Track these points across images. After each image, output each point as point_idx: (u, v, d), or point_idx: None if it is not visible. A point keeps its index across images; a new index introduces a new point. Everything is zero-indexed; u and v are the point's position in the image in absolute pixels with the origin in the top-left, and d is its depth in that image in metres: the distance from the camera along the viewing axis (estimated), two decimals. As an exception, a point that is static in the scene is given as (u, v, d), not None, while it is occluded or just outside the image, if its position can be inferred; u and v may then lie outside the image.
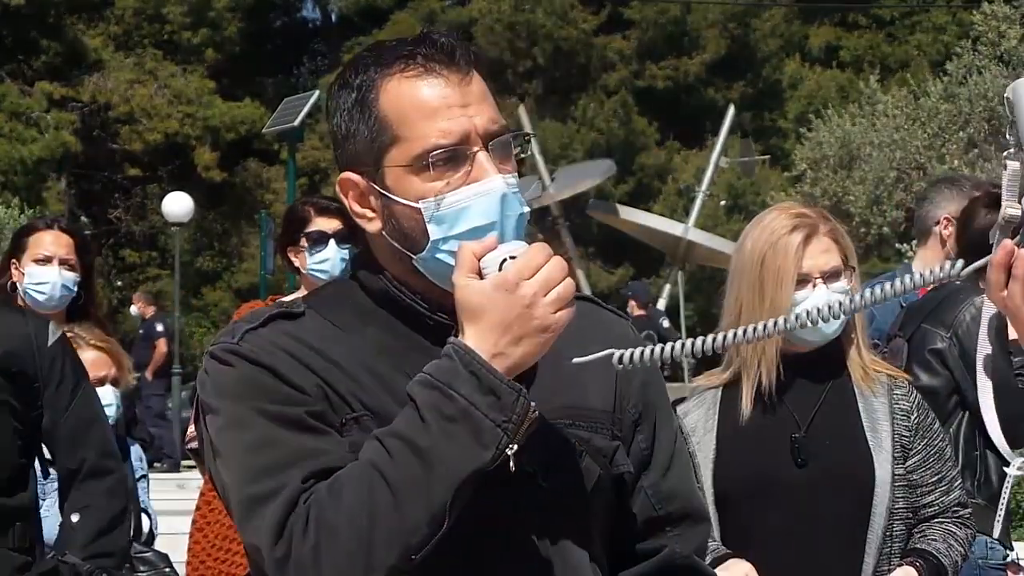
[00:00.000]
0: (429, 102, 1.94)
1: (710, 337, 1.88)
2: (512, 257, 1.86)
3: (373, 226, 2.00)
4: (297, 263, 5.06)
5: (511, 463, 1.85)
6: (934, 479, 3.48)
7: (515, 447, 1.84)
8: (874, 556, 3.38)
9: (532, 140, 2.05)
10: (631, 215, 24.85)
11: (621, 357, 1.90)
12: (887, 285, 1.80)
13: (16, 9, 31.25)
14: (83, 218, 34.66)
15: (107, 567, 3.63)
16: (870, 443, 3.41)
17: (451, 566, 1.90)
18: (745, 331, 1.87)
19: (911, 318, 4.42)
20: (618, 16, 37.91)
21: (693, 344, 1.87)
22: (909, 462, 3.46)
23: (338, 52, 37.88)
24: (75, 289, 4.81)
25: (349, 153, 2.01)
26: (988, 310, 2.14)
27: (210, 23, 34.55)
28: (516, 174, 1.98)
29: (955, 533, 3.48)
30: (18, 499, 3.59)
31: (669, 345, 1.88)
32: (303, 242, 5.01)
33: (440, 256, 1.94)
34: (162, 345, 19.03)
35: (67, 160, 32.79)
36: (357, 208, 2.01)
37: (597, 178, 26.71)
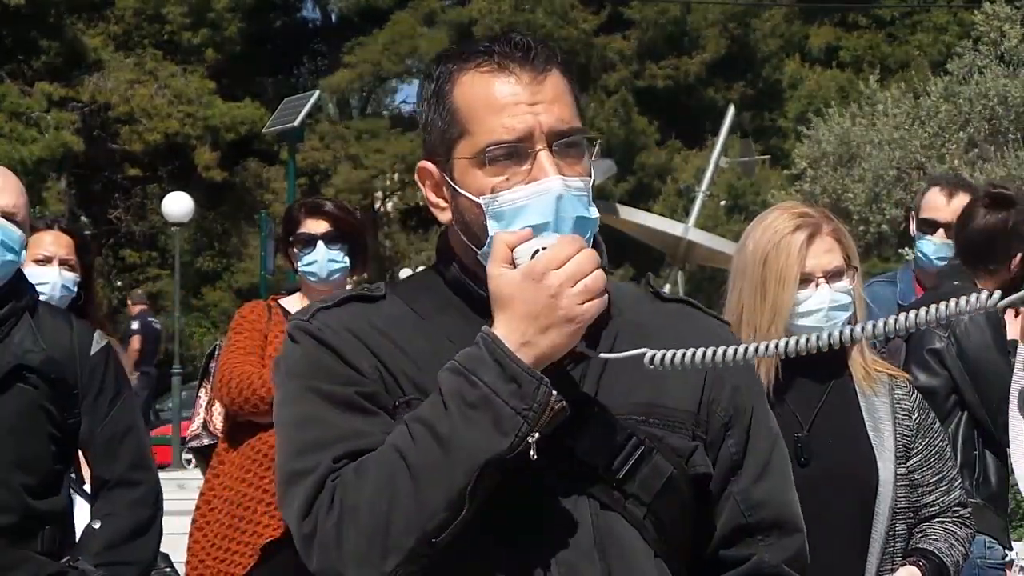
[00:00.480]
0: (497, 98, 1.97)
1: (742, 347, 1.86)
2: (544, 248, 1.89)
3: (444, 216, 2.04)
4: (296, 267, 5.08)
5: (532, 451, 1.87)
6: (935, 479, 3.48)
7: (536, 435, 1.86)
8: (877, 555, 3.38)
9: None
10: (631, 215, 24.81)
11: (652, 358, 1.91)
12: (922, 312, 1.76)
13: (16, 9, 31.23)
14: (83, 218, 34.65)
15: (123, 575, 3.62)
16: (872, 443, 3.41)
17: (494, 553, 1.93)
18: (777, 344, 1.84)
19: None
20: (618, 16, 37.92)
21: (724, 352, 1.86)
22: (910, 462, 3.46)
23: (338, 52, 37.87)
24: (75, 289, 4.81)
25: (427, 143, 2.06)
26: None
27: (210, 23, 34.56)
28: (587, 175, 1.99)
29: (956, 533, 3.48)
30: (49, 503, 3.58)
31: (701, 350, 1.88)
32: (294, 245, 5.03)
33: None
34: (135, 343, 19.05)
35: (67, 160, 32.78)
36: (432, 197, 2.05)
37: (597, 178, 26.69)
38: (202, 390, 5.39)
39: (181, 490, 15.31)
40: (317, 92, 26.04)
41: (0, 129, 30.90)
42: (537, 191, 1.93)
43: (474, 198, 1.97)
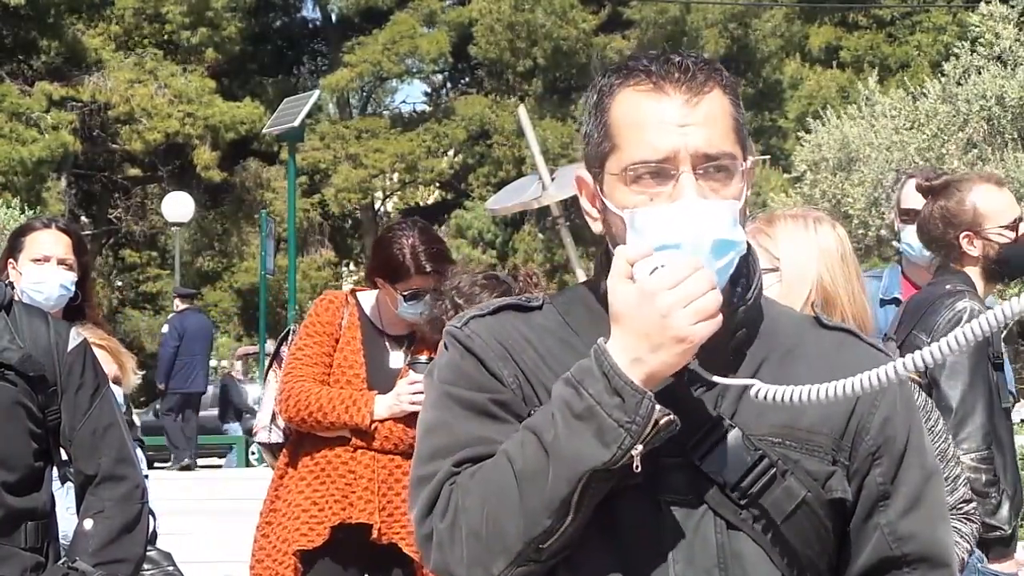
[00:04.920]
0: (647, 117, 1.99)
1: (842, 383, 1.89)
2: (662, 266, 1.91)
3: (596, 227, 2.09)
4: (381, 293, 5.01)
5: (636, 464, 1.91)
6: (936, 480, 3.47)
7: (640, 448, 1.90)
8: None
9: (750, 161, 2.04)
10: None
11: (758, 392, 1.94)
12: (961, 333, 1.76)
13: (16, 9, 31.22)
14: (83, 218, 34.64)
15: (119, 574, 3.62)
16: None
17: (613, 567, 1.97)
18: (896, 367, 1.87)
19: (904, 322, 4.43)
20: (618, 16, 37.90)
21: (836, 388, 1.89)
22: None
23: (338, 52, 37.85)
24: (73, 289, 4.79)
25: (585, 153, 2.09)
26: None
27: (210, 23, 34.55)
28: (736, 198, 1.99)
29: (960, 529, 3.49)
30: (30, 500, 3.58)
31: (807, 388, 1.90)
32: (397, 291, 4.93)
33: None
34: None
35: (67, 160, 32.77)
36: (587, 206, 2.09)
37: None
38: (271, 373, 5.31)
39: (183, 490, 15.33)
40: (317, 92, 26.07)
41: (0, 129, 30.89)
42: (673, 211, 1.95)
43: (618, 211, 2.00)
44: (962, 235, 4.40)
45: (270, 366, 5.36)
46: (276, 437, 5.20)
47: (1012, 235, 4.37)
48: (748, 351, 2.05)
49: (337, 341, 5.00)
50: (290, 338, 5.22)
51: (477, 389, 2.03)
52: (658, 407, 1.89)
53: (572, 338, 2.05)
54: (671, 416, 1.90)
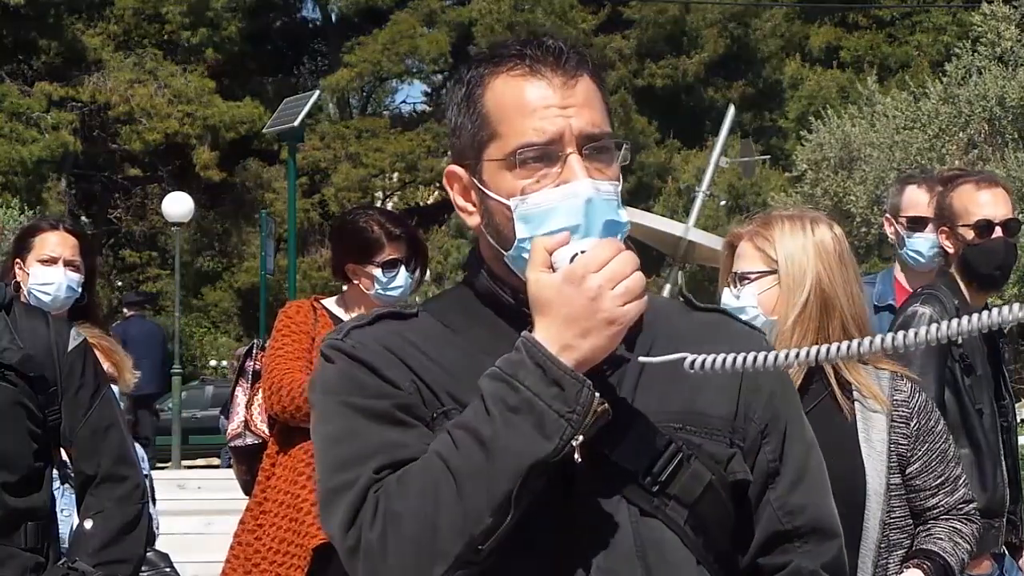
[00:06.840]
0: (529, 101, 1.96)
1: (781, 353, 1.84)
2: (583, 252, 1.88)
3: (473, 220, 2.03)
4: (358, 281, 5.02)
5: (576, 455, 1.88)
6: (937, 482, 3.47)
7: (580, 438, 1.86)
8: (869, 569, 3.36)
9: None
10: (631, 215, 24.70)
11: (692, 362, 1.89)
12: (942, 326, 1.75)
13: (16, 9, 31.24)
14: (83, 218, 34.64)
15: (119, 574, 3.62)
16: (863, 453, 3.39)
17: (532, 564, 1.93)
18: (819, 351, 1.81)
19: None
20: (617, 16, 37.93)
21: (764, 358, 1.84)
22: (910, 469, 3.44)
23: (338, 52, 37.88)
24: (79, 290, 4.78)
25: (456, 147, 2.05)
26: None
27: (210, 23, 34.56)
28: (616, 180, 1.98)
29: (960, 530, 3.48)
30: (30, 500, 3.58)
31: (740, 356, 1.86)
32: (373, 267, 4.96)
33: (525, 255, 1.95)
34: None
35: (67, 160, 32.78)
36: (460, 201, 2.04)
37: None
38: (238, 388, 5.31)
39: (181, 490, 15.33)
40: (317, 92, 26.05)
41: (0, 129, 30.89)
42: (567, 194, 1.92)
43: (503, 200, 1.96)
44: (940, 231, 4.48)
45: (237, 381, 5.34)
46: (252, 440, 5.21)
47: (971, 235, 4.39)
48: (638, 339, 2.00)
49: (313, 340, 4.99)
50: (255, 352, 5.23)
51: (377, 396, 1.96)
52: (597, 395, 1.86)
53: (456, 339, 2.02)
54: (606, 405, 1.87)
